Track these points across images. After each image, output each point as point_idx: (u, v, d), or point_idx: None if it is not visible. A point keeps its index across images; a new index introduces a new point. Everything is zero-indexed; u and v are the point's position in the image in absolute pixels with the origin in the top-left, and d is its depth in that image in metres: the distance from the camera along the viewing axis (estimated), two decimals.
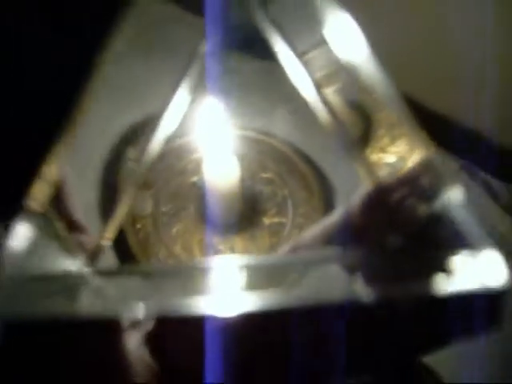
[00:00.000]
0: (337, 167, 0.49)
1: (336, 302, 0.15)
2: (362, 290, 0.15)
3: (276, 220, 0.45)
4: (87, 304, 0.17)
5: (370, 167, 0.37)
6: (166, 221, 0.45)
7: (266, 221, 0.45)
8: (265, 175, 0.48)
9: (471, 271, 0.15)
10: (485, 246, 0.15)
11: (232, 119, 0.44)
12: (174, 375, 0.19)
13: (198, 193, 0.46)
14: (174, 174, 0.47)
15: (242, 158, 0.45)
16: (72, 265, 0.22)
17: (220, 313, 0.17)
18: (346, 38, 0.32)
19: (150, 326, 0.20)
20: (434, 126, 0.57)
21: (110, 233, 0.29)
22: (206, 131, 0.44)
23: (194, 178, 0.47)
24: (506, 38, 0.55)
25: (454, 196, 0.18)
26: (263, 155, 0.49)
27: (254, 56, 0.59)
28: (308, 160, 0.49)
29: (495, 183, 0.52)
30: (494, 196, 0.51)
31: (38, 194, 0.21)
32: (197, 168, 0.47)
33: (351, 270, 0.19)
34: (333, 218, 0.24)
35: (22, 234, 0.18)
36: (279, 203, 0.46)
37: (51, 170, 0.22)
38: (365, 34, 0.39)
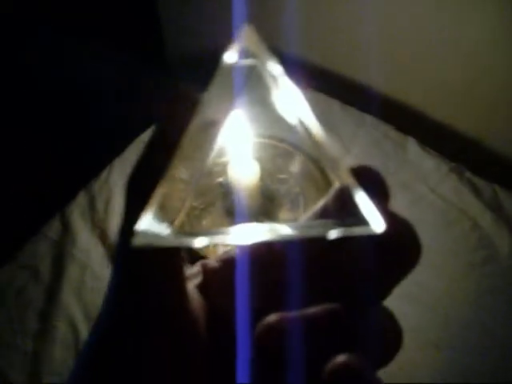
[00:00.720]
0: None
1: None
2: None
3: (289, 213, 0.54)
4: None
5: None
6: (197, 214, 0.54)
7: (282, 214, 0.54)
8: (280, 176, 0.57)
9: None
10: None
11: (252, 128, 0.53)
12: (218, 313, 0.21)
13: (223, 191, 0.55)
14: (203, 175, 0.57)
15: (261, 161, 0.53)
16: None
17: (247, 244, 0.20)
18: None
19: (201, 276, 0.22)
20: (430, 133, 0.64)
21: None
22: (231, 138, 0.51)
23: (220, 179, 0.56)
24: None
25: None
26: (279, 159, 0.58)
27: None
28: (316, 163, 0.57)
29: (480, 182, 0.58)
30: (477, 193, 0.57)
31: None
32: (222, 170, 0.55)
33: None
34: None
35: None
36: (292, 199, 0.55)
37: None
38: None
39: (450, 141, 0.66)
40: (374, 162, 0.60)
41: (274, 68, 0.18)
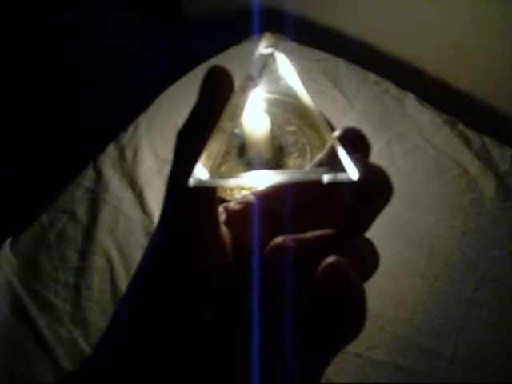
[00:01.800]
0: (341, 121, 0.64)
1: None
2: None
3: (298, 161, 0.60)
4: None
5: None
6: (218, 161, 0.60)
7: (290, 162, 0.60)
8: (289, 128, 0.63)
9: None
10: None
11: (268, 83, 0.57)
12: (238, 242, 0.25)
13: (239, 141, 0.61)
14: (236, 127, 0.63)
15: (272, 115, 0.59)
16: None
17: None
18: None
19: (224, 215, 0.25)
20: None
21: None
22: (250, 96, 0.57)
23: (236, 130, 0.62)
24: None
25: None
26: (288, 113, 0.64)
27: (284, 37, 0.74)
28: (322, 116, 0.63)
29: (471, 134, 0.63)
30: (468, 143, 0.62)
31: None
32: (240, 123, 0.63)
33: None
34: None
35: None
36: (300, 149, 0.61)
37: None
38: None
39: (445, 96, 0.71)
40: (375, 115, 0.65)
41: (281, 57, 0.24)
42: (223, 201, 0.56)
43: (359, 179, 0.22)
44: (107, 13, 1.05)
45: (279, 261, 0.23)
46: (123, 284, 0.55)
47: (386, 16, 0.72)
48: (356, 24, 0.75)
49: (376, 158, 0.60)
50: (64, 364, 0.49)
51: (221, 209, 0.26)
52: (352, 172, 0.22)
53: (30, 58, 1.09)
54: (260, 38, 0.24)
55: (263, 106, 0.57)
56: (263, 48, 0.25)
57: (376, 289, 0.52)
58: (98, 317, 0.52)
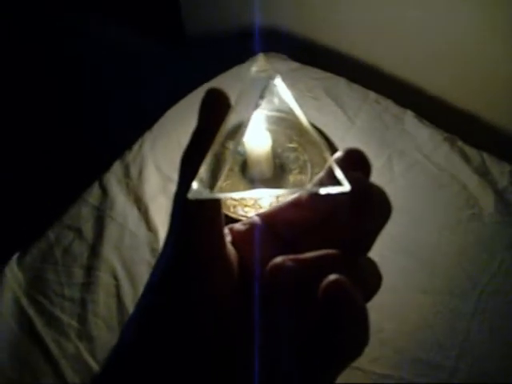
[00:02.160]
0: (342, 138, 0.65)
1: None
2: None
3: (298, 177, 0.61)
4: None
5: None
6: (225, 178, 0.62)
7: (291, 178, 0.61)
8: (290, 145, 0.64)
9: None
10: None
11: (266, 103, 0.59)
12: (243, 262, 0.26)
13: (241, 158, 0.62)
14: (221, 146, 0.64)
15: (273, 132, 0.60)
16: None
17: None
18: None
19: (229, 236, 0.26)
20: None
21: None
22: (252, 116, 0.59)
23: (238, 148, 0.64)
24: None
25: None
26: (289, 130, 0.64)
27: (286, 57, 0.75)
28: (322, 134, 0.65)
29: (470, 151, 0.64)
30: (467, 160, 0.63)
31: None
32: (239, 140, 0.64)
33: None
34: None
35: None
36: (301, 165, 0.62)
37: None
38: None
39: (444, 114, 0.72)
40: (375, 132, 0.66)
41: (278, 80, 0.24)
42: (229, 222, 0.58)
43: (360, 198, 0.23)
44: (107, 27, 1.07)
45: (278, 281, 0.23)
46: (129, 299, 0.55)
47: (385, 37, 0.74)
48: (356, 44, 0.76)
49: (376, 174, 0.61)
50: (70, 379, 0.50)
51: (226, 230, 0.27)
52: (345, 184, 0.23)
53: (28, 73, 1.10)
54: (254, 60, 0.25)
55: (264, 124, 0.59)
56: (257, 69, 0.26)
57: (378, 304, 0.52)
58: (104, 332, 0.53)
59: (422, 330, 0.52)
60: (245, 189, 0.60)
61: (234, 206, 0.59)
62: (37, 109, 1.06)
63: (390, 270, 0.55)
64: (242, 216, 0.58)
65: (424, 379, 0.49)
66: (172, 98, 0.74)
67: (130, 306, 0.54)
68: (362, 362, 0.50)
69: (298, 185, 0.61)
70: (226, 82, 0.74)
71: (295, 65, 0.75)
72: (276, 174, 0.62)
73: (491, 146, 0.64)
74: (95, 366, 0.51)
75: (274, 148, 0.60)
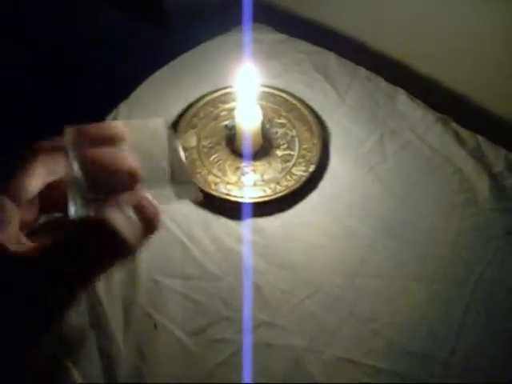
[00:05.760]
0: (332, 116, 0.60)
1: None
2: None
3: (286, 152, 0.56)
4: None
5: None
6: (206, 151, 0.56)
7: (279, 152, 0.56)
8: (279, 120, 0.58)
9: None
10: None
11: (257, 79, 0.54)
12: None
13: (229, 132, 0.57)
14: (211, 119, 0.59)
15: (263, 108, 0.55)
16: None
17: None
18: None
19: None
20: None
21: None
22: (238, 87, 0.54)
23: (226, 122, 0.58)
24: None
25: None
26: (278, 105, 0.59)
27: (273, 29, 0.69)
28: (311, 110, 0.59)
29: (464, 132, 0.58)
30: (461, 142, 0.58)
31: None
32: (228, 114, 0.59)
33: None
34: None
35: None
36: (289, 140, 0.57)
37: None
38: None
39: (438, 94, 0.67)
40: (366, 111, 0.61)
41: None
42: (211, 201, 0.52)
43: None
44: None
45: None
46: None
47: (375, 11, 0.68)
48: (346, 18, 0.70)
49: (367, 154, 0.55)
50: None
51: None
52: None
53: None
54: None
55: (256, 100, 0.54)
56: None
57: (370, 292, 0.48)
58: None
59: (415, 320, 0.47)
60: (232, 163, 0.55)
61: (216, 184, 0.53)
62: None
63: (380, 254, 0.50)
64: (225, 194, 0.52)
65: (417, 372, 0.45)
66: (152, 71, 0.67)
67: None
68: (354, 353, 0.45)
69: (286, 159, 0.55)
70: (209, 51, 0.67)
71: (281, 36, 0.68)
72: (264, 149, 0.56)
73: (484, 131, 0.59)
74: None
75: (262, 123, 0.55)
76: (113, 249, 0.27)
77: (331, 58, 0.66)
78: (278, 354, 0.45)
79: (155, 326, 0.46)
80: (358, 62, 0.66)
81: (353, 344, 0.46)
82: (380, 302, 0.48)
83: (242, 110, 0.53)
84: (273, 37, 0.68)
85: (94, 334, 0.45)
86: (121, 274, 0.48)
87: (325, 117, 0.60)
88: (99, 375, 0.44)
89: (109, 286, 0.47)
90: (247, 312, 0.46)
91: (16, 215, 0.28)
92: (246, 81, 0.52)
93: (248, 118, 0.53)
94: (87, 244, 0.27)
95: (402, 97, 0.62)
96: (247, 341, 0.45)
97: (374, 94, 0.63)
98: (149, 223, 0.28)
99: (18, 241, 0.28)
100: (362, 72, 0.65)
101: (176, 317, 0.46)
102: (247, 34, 0.65)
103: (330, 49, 0.67)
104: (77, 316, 0.46)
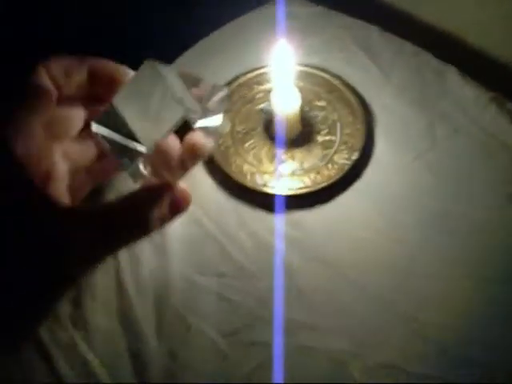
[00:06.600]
0: (376, 97, 0.55)
1: None
2: None
3: (327, 138, 0.51)
4: None
5: None
6: (241, 138, 0.52)
7: (320, 138, 0.52)
8: (319, 103, 0.54)
9: None
10: None
11: (293, 58, 0.49)
12: None
13: (265, 116, 0.53)
14: (246, 102, 0.54)
15: (301, 89, 0.51)
16: None
17: None
18: None
19: None
20: None
21: None
22: (273, 67, 0.50)
23: (262, 105, 0.54)
24: None
25: None
26: (318, 86, 0.54)
27: (308, 1, 0.64)
28: (354, 90, 0.54)
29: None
30: None
31: None
32: (264, 97, 0.54)
33: None
34: None
35: None
36: (330, 125, 0.52)
37: None
38: None
39: (491, 71, 0.60)
40: (414, 91, 0.56)
41: None
42: (244, 192, 0.49)
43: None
44: None
45: None
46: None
47: None
48: None
49: (415, 140, 0.50)
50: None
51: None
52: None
53: None
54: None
55: (294, 80, 0.49)
56: None
57: (419, 293, 0.44)
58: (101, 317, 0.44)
59: (471, 323, 0.43)
60: (269, 150, 0.51)
61: (252, 174, 0.49)
62: None
63: (432, 252, 0.45)
64: (262, 185, 0.48)
65: (466, 379, 0.41)
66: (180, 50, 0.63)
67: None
68: (402, 359, 0.41)
69: (327, 146, 0.51)
70: (239, 29, 0.62)
71: (318, 9, 0.63)
72: (303, 134, 0.52)
73: None
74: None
75: (301, 107, 0.50)
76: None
77: (374, 33, 0.61)
78: (318, 358, 0.42)
79: (188, 328, 0.43)
80: (404, 37, 0.60)
81: (401, 349, 0.42)
82: (431, 305, 0.44)
83: (279, 92, 0.49)
84: (309, 10, 0.62)
85: (125, 336, 0.43)
86: (152, 273, 0.45)
87: (368, 98, 0.55)
88: (131, 378, 0.42)
89: (140, 286, 0.44)
90: (285, 313, 0.43)
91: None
92: (282, 61, 0.48)
93: (285, 102, 0.49)
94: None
95: (452, 75, 0.57)
96: (285, 343, 0.42)
97: (421, 71, 0.57)
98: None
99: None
100: (408, 47, 0.59)
101: (210, 318, 0.43)
102: (281, 8, 0.59)
103: (371, 22, 0.62)
104: (107, 318, 0.43)
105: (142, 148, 0.29)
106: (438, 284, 0.44)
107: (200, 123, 0.30)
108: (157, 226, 0.31)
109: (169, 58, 0.61)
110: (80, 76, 0.31)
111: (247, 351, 0.42)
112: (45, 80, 0.30)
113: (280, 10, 0.59)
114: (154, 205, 0.30)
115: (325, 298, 0.44)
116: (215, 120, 0.33)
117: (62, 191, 0.30)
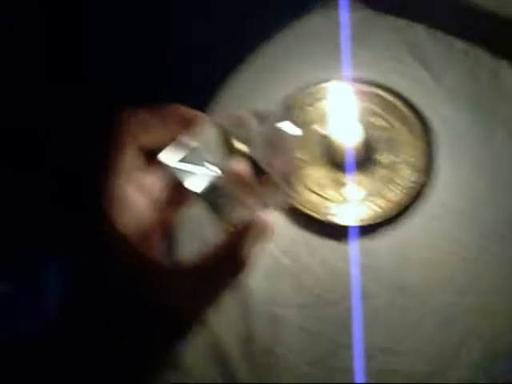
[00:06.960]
0: (437, 113, 0.54)
1: None
2: None
3: (389, 160, 0.51)
4: None
5: None
6: (299, 164, 0.51)
7: (381, 160, 0.51)
8: (377, 123, 0.53)
9: None
10: None
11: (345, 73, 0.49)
12: None
13: (324, 141, 0.52)
14: (300, 125, 0.53)
15: (362, 115, 0.51)
16: None
17: None
18: None
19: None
20: None
21: None
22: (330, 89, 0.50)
23: (318, 128, 0.53)
24: None
25: None
26: (374, 104, 0.54)
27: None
28: (412, 107, 0.53)
29: None
30: None
31: None
32: (320, 119, 0.53)
33: None
34: None
35: None
36: (390, 145, 0.52)
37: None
38: None
39: None
40: (468, 94, 0.55)
41: None
42: (310, 224, 0.50)
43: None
44: None
45: None
46: None
47: None
48: None
49: (475, 148, 0.50)
50: None
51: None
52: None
53: None
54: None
55: (356, 113, 0.49)
56: None
57: (487, 309, 0.46)
58: None
59: None
60: (331, 176, 0.51)
61: (316, 204, 0.50)
62: None
63: (495, 267, 0.46)
64: (328, 215, 0.49)
65: None
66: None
67: None
68: (480, 377, 0.44)
69: (389, 167, 0.51)
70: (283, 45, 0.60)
71: (367, 13, 0.61)
72: (364, 158, 0.51)
73: None
74: None
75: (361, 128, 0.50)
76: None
77: (421, 32, 0.59)
78: (402, 380, 0.44)
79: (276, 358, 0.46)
80: (451, 32, 0.58)
81: (476, 367, 0.44)
82: (502, 320, 0.45)
83: (340, 120, 0.49)
84: (357, 14, 0.60)
85: (215, 372, 0.46)
86: (235, 310, 0.47)
87: (421, 107, 0.54)
88: None
89: (225, 323, 0.47)
90: (366, 338, 0.45)
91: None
92: (341, 99, 0.48)
93: (346, 130, 0.49)
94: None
95: (507, 72, 0.55)
96: (369, 368, 0.45)
97: (474, 70, 0.56)
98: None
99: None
100: (458, 44, 0.58)
101: (294, 348, 0.46)
102: (325, 15, 0.57)
103: (417, 21, 0.59)
104: (196, 355, 0.46)
105: (214, 168, 0.32)
106: (506, 299, 0.46)
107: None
108: (250, 260, 0.33)
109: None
110: (158, 130, 0.32)
111: (333, 378, 0.45)
112: (130, 140, 0.31)
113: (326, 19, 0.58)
114: (246, 241, 0.33)
115: (400, 322, 0.46)
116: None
117: (157, 247, 0.33)
